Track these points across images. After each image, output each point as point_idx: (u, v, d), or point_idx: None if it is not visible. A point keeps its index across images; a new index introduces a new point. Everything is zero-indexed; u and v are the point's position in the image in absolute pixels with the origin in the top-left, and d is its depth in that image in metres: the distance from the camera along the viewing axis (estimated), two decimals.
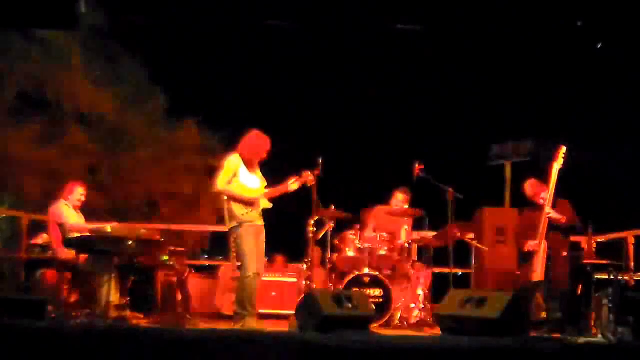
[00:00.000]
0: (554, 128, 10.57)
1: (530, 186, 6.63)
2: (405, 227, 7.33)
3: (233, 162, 6.12)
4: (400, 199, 7.48)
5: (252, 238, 6.08)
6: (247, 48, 11.96)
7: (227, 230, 6.16)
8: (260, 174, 6.31)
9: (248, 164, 6.18)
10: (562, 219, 6.31)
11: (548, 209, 6.28)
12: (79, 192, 6.95)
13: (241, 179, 6.11)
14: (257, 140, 6.24)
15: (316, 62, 11.98)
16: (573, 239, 6.55)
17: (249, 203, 6.07)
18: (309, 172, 6.31)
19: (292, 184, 6.24)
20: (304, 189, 6.59)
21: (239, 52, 12.08)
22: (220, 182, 6.05)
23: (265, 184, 6.28)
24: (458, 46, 11.27)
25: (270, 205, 6.23)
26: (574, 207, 6.49)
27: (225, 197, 6.08)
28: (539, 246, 6.20)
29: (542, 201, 6.41)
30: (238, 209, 6.04)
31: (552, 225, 6.29)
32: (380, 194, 7.68)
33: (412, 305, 7.09)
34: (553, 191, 6.27)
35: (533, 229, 6.35)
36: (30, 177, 11.20)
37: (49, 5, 5.05)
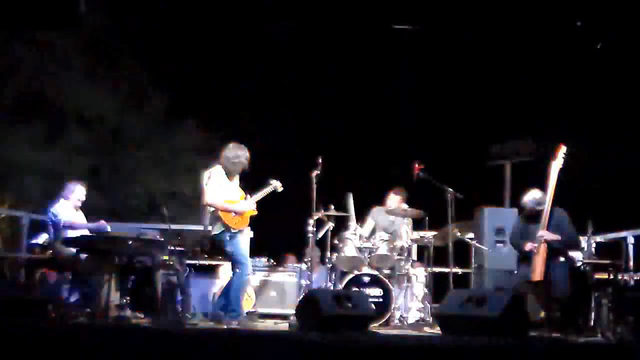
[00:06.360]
0: (554, 128, 10.54)
1: (529, 200, 6.41)
2: (405, 227, 7.33)
3: (218, 174, 6.44)
4: (394, 199, 7.49)
5: (244, 242, 6.49)
6: (247, 48, 11.94)
7: (215, 235, 6.42)
8: (237, 184, 6.60)
9: (229, 176, 6.49)
10: (557, 239, 6.15)
11: (542, 232, 6.14)
12: (78, 192, 6.97)
13: (224, 190, 6.42)
14: (238, 151, 6.49)
15: (316, 62, 11.96)
16: None
17: (237, 213, 6.40)
18: (277, 181, 6.70)
19: (261, 194, 6.63)
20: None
21: (238, 52, 12.06)
22: (210, 194, 6.38)
23: (242, 193, 6.57)
24: (457, 46, 11.25)
25: (255, 212, 6.57)
26: (571, 216, 6.31)
27: (214, 208, 6.38)
28: (538, 248, 6.15)
29: (539, 208, 6.31)
30: (228, 218, 6.36)
31: (548, 243, 6.15)
32: (380, 194, 7.69)
33: (412, 304, 7.09)
34: (552, 192, 6.23)
35: (531, 235, 6.28)
36: (31, 177, 11.20)
37: (49, 5, 5.06)
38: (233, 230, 6.36)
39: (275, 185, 6.69)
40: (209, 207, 6.41)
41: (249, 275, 6.55)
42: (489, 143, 10.85)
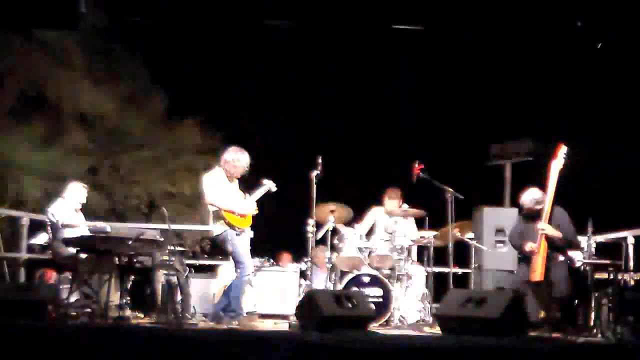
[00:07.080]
0: (554, 128, 10.54)
1: (528, 199, 6.37)
2: (405, 227, 7.31)
3: (218, 176, 6.50)
4: (392, 202, 7.45)
5: (245, 241, 6.54)
6: (247, 47, 11.94)
7: (217, 234, 6.47)
8: (237, 187, 6.64)
9: (229, 179, 6.56)
10: (558, 236, 6.12)
11: (543, 225, 6.12)
12: (78, 193, 6.96)
13: (226, 192, 6.47)
14: (239, 155, 6.54)
15: (316, 61, 11.96)
16: None
17: (239, 213, 6.46)
18: (271, 181, 6.73)
19: (257, 194, 6.67)
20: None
21: (238, 52, 12.06)
22: (211, 194, 6.43)
23: (242, 195, 6.63)
24: (457, 46, 11.26)
25: (256, 211, 6.64)
26: (570, 216, 6.29)
27: (216, 207, 6.42)
28: (538, 248, 6.13)
29: (538, 207, 6.29)
30: (232, 218, 6.41)
31: (548, 240, 6.13)
32: (380, 194, 7.68)
33: (412, 305, 7.08)
34: (553, 191, 6.22)
35: (530, 235, 6.27)
36: (31, 177, 11.20)
37: (49, 5, 5.06)
38: (236, 230, 6.40)
39: (269, 185, 6.72)
40: (210, 207, 6.41)
41: (250, 276, 6.55)
42: (489, 143, 10.84)
